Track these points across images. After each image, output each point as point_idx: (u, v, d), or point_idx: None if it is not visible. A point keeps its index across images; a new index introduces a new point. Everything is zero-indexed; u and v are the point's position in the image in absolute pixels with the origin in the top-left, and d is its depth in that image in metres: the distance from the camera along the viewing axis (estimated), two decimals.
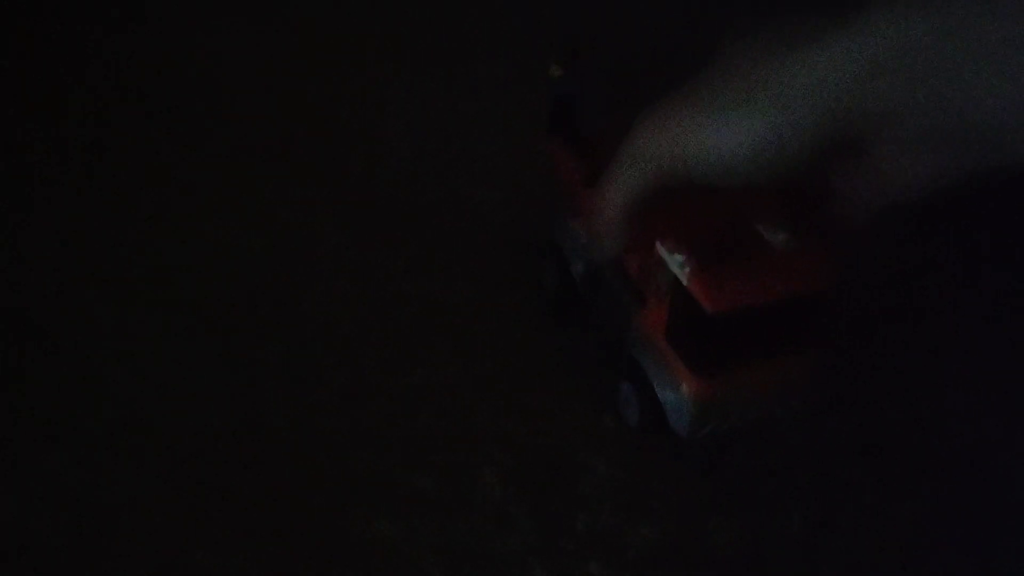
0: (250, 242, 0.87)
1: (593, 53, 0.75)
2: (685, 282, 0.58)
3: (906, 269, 0.87)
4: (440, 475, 0.71)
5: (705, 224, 0.61)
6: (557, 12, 1.10)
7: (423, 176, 0.94)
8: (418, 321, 0.82)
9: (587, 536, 0.68)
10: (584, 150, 0.69)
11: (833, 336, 0.66)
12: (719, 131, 0.49)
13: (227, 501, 0.68)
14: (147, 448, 0.71)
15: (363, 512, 0.68)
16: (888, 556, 0.68)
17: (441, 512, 0.69)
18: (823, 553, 0.67)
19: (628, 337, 0.67)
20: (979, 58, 0.42)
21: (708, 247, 0.59)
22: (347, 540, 0.67)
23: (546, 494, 0.71)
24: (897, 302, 0.85)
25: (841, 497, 0.71)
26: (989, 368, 0.80)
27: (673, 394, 0.64)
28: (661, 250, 0.60)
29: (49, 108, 0.99)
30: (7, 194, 0.89)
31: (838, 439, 0.74)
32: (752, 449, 0.72)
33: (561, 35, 1.01)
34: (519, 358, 0.79)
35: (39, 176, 0.92)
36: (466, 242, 0.87)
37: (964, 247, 0.91)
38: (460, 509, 0.69)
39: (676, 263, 0.58)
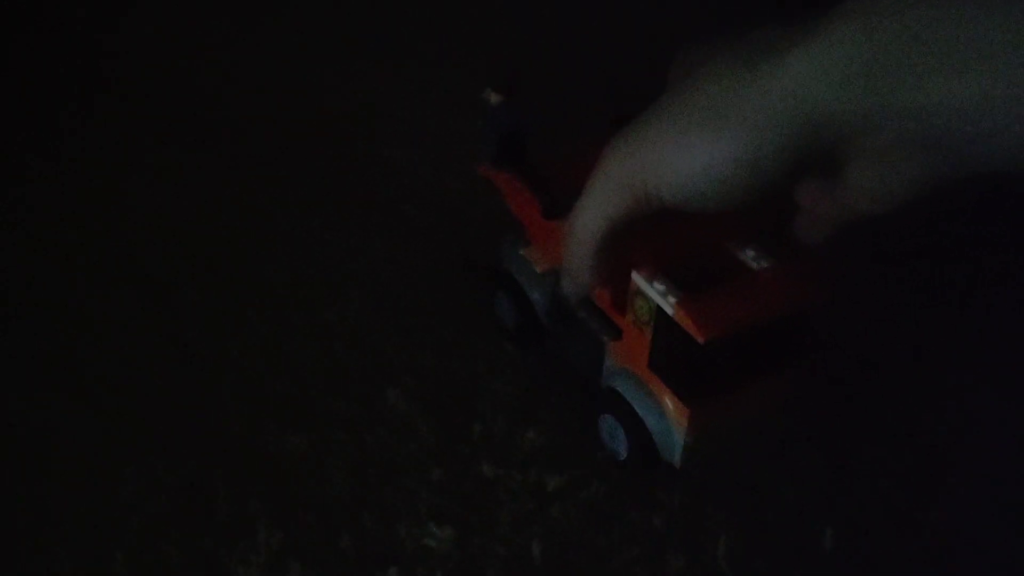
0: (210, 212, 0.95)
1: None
2: (671, 312, 0.56)
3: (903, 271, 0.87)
4: (352, 398, 0.78)
5: (679, 250, 0.59)
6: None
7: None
8: (336, 266, 0.89)
9: (481, 441, 0.75)
10: (538, 181, 0.67)
11: (823, 349, 0.64)
12: (690, 155, 0.47)
13: (148, 419, 0.75)
14: (76, 374, 0.78)
15: (277, 428, 0.75)
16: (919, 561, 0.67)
17: (350, 427, 0.76)
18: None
19: (603, 368, 0.66)
20: (944, 62, 0.40)
21: (686, 273, 0.57)
22: (261, 453, 0.74)
23: (446, 409, 0.77)
24: (905, 307, 0.85)
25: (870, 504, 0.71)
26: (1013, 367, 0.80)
27: (662, 424, 0.62)
28: (638, 280, 0.58)
29: (47, 106, 1.09)
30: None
31: (853, 449, 0.74)
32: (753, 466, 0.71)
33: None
34: (430, 298, 0.86)
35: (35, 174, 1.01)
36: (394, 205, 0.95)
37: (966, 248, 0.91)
38: (367, 424, 0.76)
39: (658, 293, 0.57)
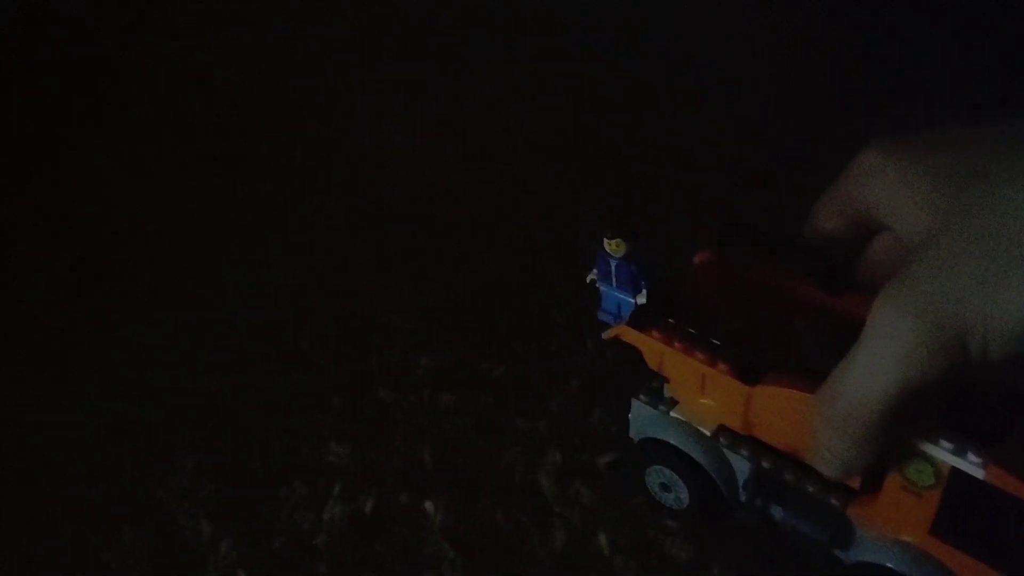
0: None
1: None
2: (979, 474, 0.49)
3: None
4: (265, 342, 0.85)
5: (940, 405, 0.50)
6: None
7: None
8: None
9: (379, 371, 0.82)
10: (724, 338, 0.58)
11: None
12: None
13: (76, 367, 0.83)
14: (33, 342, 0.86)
15: (193, 369, 0.82)
16: None
17: (261, 368, 0.83)
18: None
19: (844, 540, 0.59)
20: None
21: (969, 429, 0.50)
22: (179, 393, 0.81)
23: (348, 346, 0.84)
24: None
25: None
26: None
27: None
28: (920, 442, 0.51)
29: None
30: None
31: None
32: None
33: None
34: (341, 261, 0.94)
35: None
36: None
37: None
38: (277, 365, 0.83)
39: (950, 453, 0.49)
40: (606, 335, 0.62)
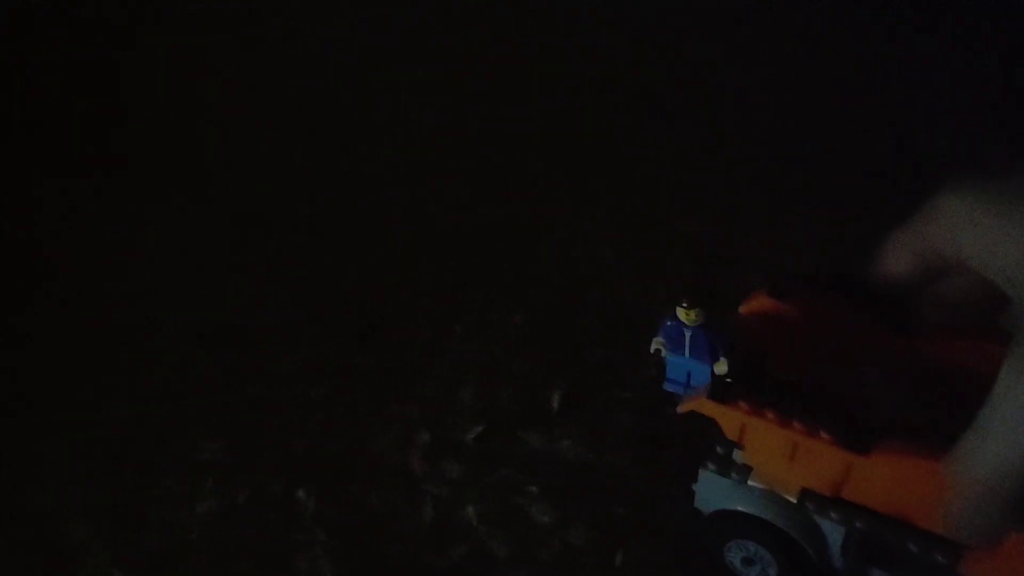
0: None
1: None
2: None
3: None
4: (134, 344, 0.86)
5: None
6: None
7: None
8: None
9: (249, 369, 0.83)
10: (822, 407, 0.55)
11: None
12: None
13: None
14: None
15: (61, 373, 0.82)
16: None
17: (131, 370, 0.83)
18: None
19: None
20: None
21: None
22: (47, 397, 0.81)
23: (217, 346, 0.85)
24: None
25: None
26: None
27: None
28: None
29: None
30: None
31: None
32: None
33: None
34: (204, 260, 0.95)
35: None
36: None
37: None
38: (145, 366, 0.84)
39: None
40: (682, 409, 0.58)
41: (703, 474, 0.60)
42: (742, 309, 0.60)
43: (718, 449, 0.60)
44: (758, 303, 0.59)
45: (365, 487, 0.73)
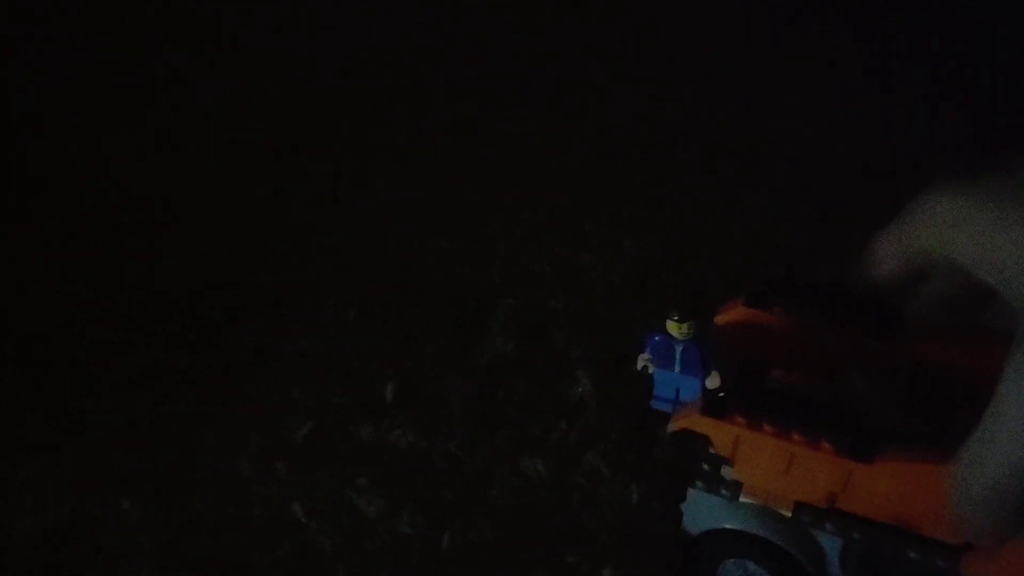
0: None
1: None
2: None
3: None
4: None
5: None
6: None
7: None
8: None
9: (72, 379, 0.81)
10: (820, 415, 0.54)
11: None
12: None
13: None
14: None
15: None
16: None
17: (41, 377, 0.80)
18: None
19: None
20: None
21: None
22: None
23: (37, 358, 0.83)
24: None
25: None
26: None
27: None
28: None
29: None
30: None
31: None
32: None
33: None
34: (25, 269, 0.92)
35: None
36: None
37: None
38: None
39: None
40: (672, 427, 0.56)
41: (692, 493, 0.58)
42: (718, 320, 0.58)
43: (704, 466, 0.58)
44: (735, 313, 0.58)
45: (192, 493, 0.72)
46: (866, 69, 1.15)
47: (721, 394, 0.55)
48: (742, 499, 0.56)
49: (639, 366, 0.57)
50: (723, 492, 0.57)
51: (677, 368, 0.56)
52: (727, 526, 0.57)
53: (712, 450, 0.56)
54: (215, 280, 0.90)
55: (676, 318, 0.54)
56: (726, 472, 0.57)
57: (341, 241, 0.95)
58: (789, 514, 0.55)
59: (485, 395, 0.78)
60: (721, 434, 0.54)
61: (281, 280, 0.90)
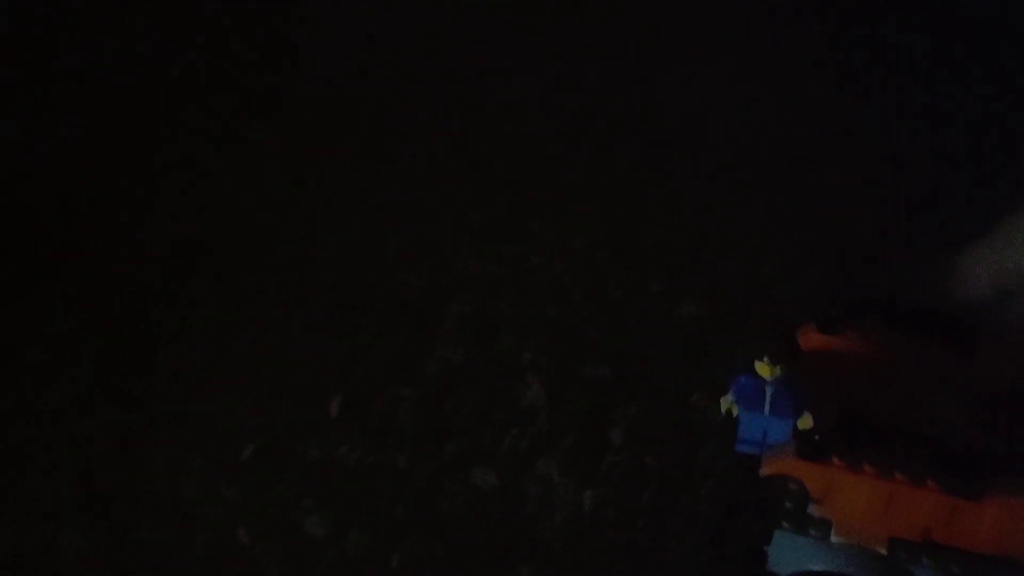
0: None
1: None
2: None
3: None
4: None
5: None
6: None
7: None
8: None
9: (10, 406, 0.78)
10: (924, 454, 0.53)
11: None
12: None
13: None
14: None
15: None
16: None
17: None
18: None
19: None
20: None
21: None
22: None
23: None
24: None
25: None
26: None
27: None
28: None
29: None
30: None
31: None
32: None
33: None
34: None
35: None
36: None
37: None
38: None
39: None
40: (766, 471, 0.54)
41: (780, 535, 0.56)
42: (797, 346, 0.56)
43: (788, 505, 0.56)
44: (812, 340, 0.56)
45: (134, 517, 0.70)
46: (864, 70, 1.14)
47: (817, 436, 0.54)
48: (834, 539, 0.54)
49: (722, 408, 0.55)
50: (812, 532, 0.55)
51: (766, 410, 0.54)
52: (819, 568, 0.55)
53: (792, 486, 0.54)
54: (157, 294, 0.88)
55: (766, 360, 0.52)
56: (813, 510, 0.55)
57: (283, 250, 0.92)
58: (884, 551, 0.53)
59: (434, 406, 0.77)
60: (812, 477, 0.52)
61: (223, 293, 0.88)
